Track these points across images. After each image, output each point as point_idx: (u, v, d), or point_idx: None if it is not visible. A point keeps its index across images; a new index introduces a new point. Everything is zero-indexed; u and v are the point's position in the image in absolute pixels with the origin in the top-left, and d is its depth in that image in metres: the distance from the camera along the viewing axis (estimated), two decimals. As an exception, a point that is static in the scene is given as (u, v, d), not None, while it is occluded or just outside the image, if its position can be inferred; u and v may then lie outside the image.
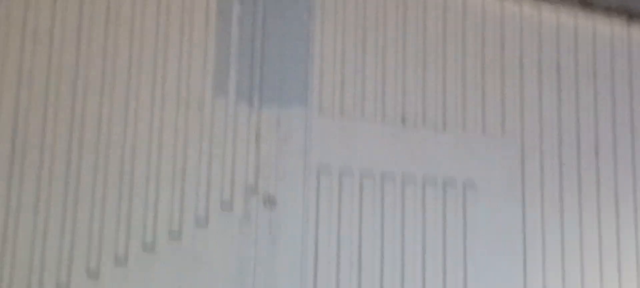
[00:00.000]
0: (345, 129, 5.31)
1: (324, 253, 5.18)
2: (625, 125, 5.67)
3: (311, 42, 5.35)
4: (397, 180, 5.33)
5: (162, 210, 5.07)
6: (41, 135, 5.04)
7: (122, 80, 5.18)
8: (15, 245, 4.95)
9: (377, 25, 5.44)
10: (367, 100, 5.38)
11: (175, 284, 5.02)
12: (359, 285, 5.19)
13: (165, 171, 5.10)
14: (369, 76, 5.40)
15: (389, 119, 5.38)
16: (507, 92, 5.56)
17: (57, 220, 5.00)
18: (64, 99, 5.10)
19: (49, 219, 4.99)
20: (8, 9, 5.04)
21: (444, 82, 5.50)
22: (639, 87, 5.76)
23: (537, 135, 5.55)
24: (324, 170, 5.25)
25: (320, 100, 5.31)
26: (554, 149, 5.55)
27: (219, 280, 5.05)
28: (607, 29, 5.81)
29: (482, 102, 5.52)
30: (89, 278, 4.97)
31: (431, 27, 5.52)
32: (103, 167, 5.06)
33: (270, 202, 5.18)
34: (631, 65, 5.76)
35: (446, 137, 5.43)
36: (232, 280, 5.07)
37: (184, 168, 5.12)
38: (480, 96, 5.52)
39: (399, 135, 5.37)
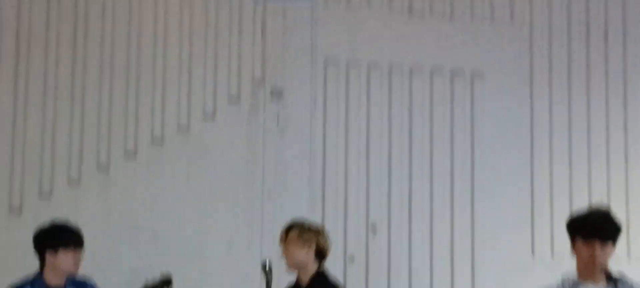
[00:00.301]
0: (352, 20, 5.26)
1: (332, 145, 5.20)
2: (636, 8, 5.60)
3: None
4: (405, 70, 5.31)
5: (170, 104, 5.08)
6: (45, 29, 5.02)
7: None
8: (25, 141, 4.99)
9: None
10: (373, -11, 5.31)
11: (185, 177, 5.06)
12: (367, 174, 5.23)
13: (171, 65, 5.09)
14: (375, -35, 5.33)
15: (396, 9, 5.33)
16: (515, -24, 5.48)
17: (65, 116, 5.02)
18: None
19: (57, 115, 5.01)
20: None
21: (452, -31, 5.43)
22: (650, -30, 5.67)
23: (546, 21, 5.49)
24: (330, 61, 5.23)
25: (326, -10, 5.25)
26: (562, 34, 5.49)
27: (228, 172, 5.09)
28: None
29: (490, -12, 5.46)
30: (99, 172, 5.01)
31: None
32: (109, 63, 5.05)
33: (277, 94, 5.17)
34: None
35: (454, 26, 5.38)
36: (241, 172, 5.11)
37: (190, 62, 5.11)
38: (488, -18, 5.46)
39: (406, 25, 5.32)
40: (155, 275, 4.40)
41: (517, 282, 5.16)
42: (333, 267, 5.10)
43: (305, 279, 4.23)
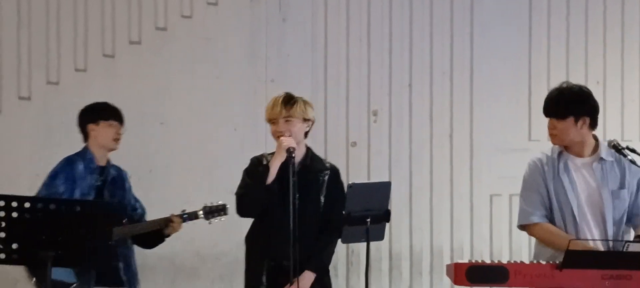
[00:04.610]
0: None
1: (333, 31, 5.24)
2: None
3: None
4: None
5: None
6: None
7: None
8: (30, 30, 5.03)
9: None
10: None
11: (188, 61, 5.12)
12: (368, 60, 5.29)
13: (173, -50, 5.11)
14: None
15: None
16: None
17: (68, 7, 5.06)
18: None
19: (61, 6, 5.05)
20: None
21: None
22: None
23: None
24: (331, -54, 5.22)
25: None
26: None
27: (231, 58, 5.15)
28: None
29: None
30: (105, 58, 5.08)
31: None
32: (112, -51, 5.07)
33: (279, -20, 5.19)
34: None
35: None
36: (244, 57, 5.17)
37: (192, -54, 5.12)
38: None
39: None
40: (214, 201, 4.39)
41: (513, 164, 5.22)
42: (336, 152, 5.20)
43: (299, 154, 3.94)
